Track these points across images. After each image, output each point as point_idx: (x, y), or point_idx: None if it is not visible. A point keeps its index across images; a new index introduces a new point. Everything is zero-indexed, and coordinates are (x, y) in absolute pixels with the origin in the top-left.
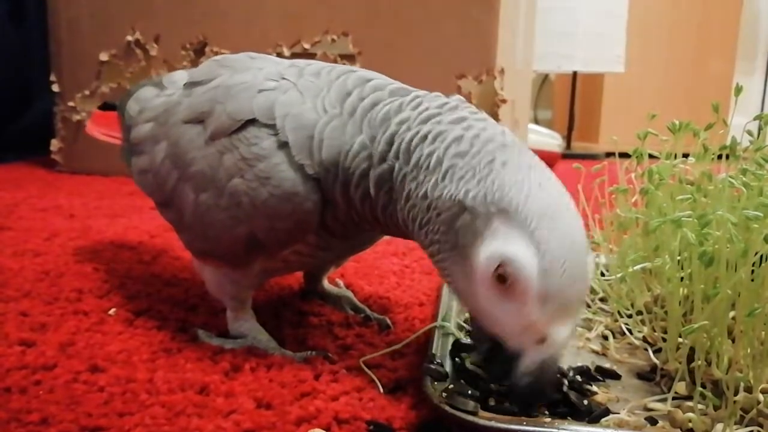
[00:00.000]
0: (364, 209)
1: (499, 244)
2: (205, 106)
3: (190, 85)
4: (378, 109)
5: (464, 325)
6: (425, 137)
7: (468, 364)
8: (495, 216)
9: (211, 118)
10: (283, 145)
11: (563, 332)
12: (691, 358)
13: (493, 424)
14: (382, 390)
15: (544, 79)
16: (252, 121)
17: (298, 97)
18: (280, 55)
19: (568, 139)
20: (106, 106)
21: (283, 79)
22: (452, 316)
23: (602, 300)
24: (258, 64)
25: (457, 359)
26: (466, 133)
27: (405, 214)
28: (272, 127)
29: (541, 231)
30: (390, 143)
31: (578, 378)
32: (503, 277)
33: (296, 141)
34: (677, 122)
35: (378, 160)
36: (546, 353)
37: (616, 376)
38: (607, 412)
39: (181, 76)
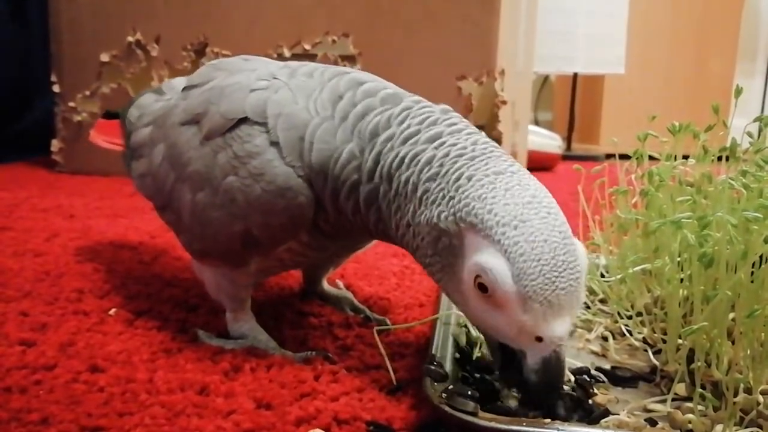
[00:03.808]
0: (356, 220)
1: (473, 258)
2: (200, 107)
3: (187, 88)
4: (368, 120)
5: (467, 324)
6: (402, 161)
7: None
8: (466, 232)
9: (206, 118)
10: (275, 143)
11: (558, 329)
12: (690, 360)
13: (493, 424)
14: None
15: (545, 80)
16: (244, 120)
17: (289, 97)
18: (281, 55)
19: (568, 140)
20: (109, 115)
21: (275, 78)
22: (452, 316)
23: (602, 301)
24: (251, 65)
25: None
26: (438, 152)
27: (399, 240)
28: (264, 125)
29: (508, 237)
30: (376, 162)
31: (585, 378)
32: (484, 287)
33: (287, 141)
34: (677, 124)
35: (366, 178)
36: (546, 351)
37: (620, 379)
38: (606, 413)
39: (180, 82)
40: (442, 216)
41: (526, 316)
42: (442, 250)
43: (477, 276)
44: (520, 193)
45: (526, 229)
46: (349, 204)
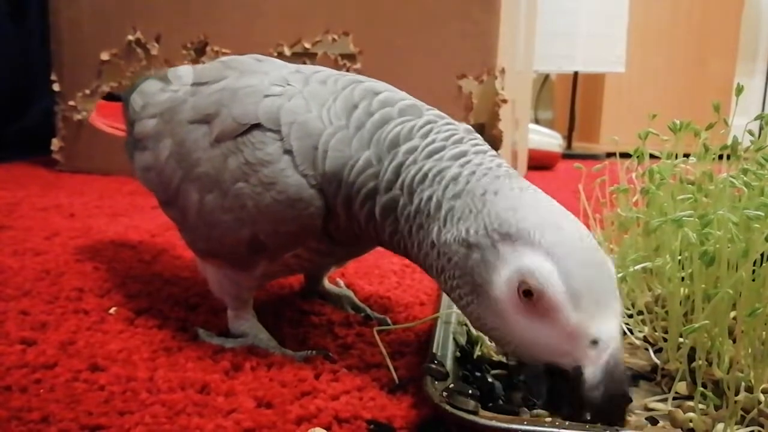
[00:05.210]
0: (368, 229)
1: (514, 265)
2: (211, 107)
3: (196, 84)
4: (388, 129)
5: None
6: (425, 176)
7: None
8: (499, 243)
9: (217, 120)
10: (288, 152)
11: (611, 327)
12: (691, 358)
13: (493, 423)
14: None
15: (545, 79)
16: (257, 126)
17: (303, 105)
18: (281, 54)
19: (568, 139)
20: (110, 97)
21: (289, 84)
22: (453, 315)
23: None
24: (264, 67)
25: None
26: (463, 170)
27: (421, 260)
28: (277, 132)
29: (548, 239)
30: (397, 174)
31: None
32: (529, 295)
33: (301, 150)
34: (678, 122)
35: (385, 188)
36: (604, 356)
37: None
38: None
39: (186, 71)
40: (471, 231)
41: (577, 316)
42: (473, 267)
43: (521, 283)
44: (547, 205)
45: (561, 232)
46: (363, 212)
